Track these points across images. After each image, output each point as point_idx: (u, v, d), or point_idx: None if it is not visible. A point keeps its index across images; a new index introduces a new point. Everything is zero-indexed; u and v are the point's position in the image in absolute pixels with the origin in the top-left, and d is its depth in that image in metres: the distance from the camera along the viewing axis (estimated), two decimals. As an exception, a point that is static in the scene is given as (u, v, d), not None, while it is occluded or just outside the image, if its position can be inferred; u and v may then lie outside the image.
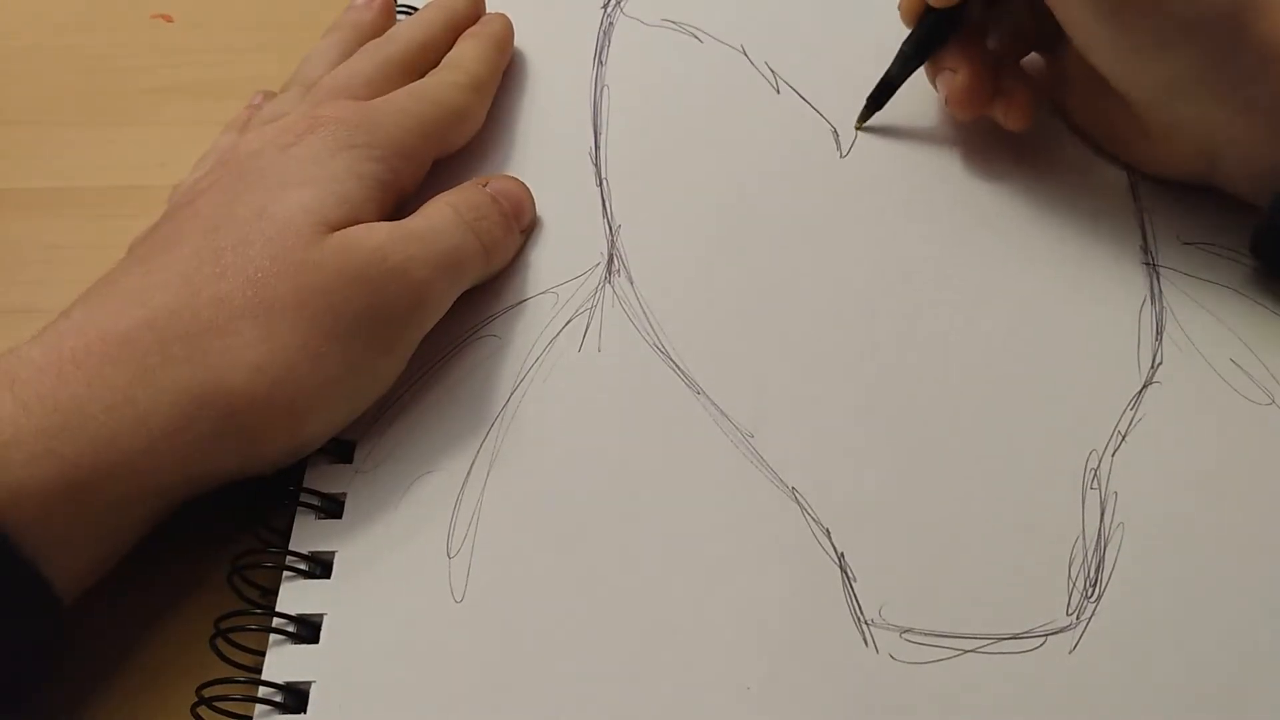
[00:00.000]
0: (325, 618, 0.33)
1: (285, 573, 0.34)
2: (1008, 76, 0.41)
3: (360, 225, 0.35)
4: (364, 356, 0.34)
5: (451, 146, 0.40)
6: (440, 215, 0.36)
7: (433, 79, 0.41)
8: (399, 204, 0.38)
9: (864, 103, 0.43)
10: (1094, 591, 0.33)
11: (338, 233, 0.34)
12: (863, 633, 0.33)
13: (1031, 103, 0.41)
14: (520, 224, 0.39)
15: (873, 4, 0.46)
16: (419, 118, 0.38)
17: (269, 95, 0.43)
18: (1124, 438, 0.36)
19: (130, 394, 0.31)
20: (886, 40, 0.44)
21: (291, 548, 0.34)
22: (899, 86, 0.42)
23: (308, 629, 0.33)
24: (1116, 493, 0.35)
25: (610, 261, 0.40)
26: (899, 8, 0.41)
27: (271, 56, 0.46)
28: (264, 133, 0.37)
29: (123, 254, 0.36)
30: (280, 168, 0.35)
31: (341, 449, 0.36)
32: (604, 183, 0.42)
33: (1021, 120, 0.40)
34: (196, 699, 0.32)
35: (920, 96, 0.42)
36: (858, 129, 0.43)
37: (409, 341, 0.36)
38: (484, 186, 0.39)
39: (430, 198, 0.38)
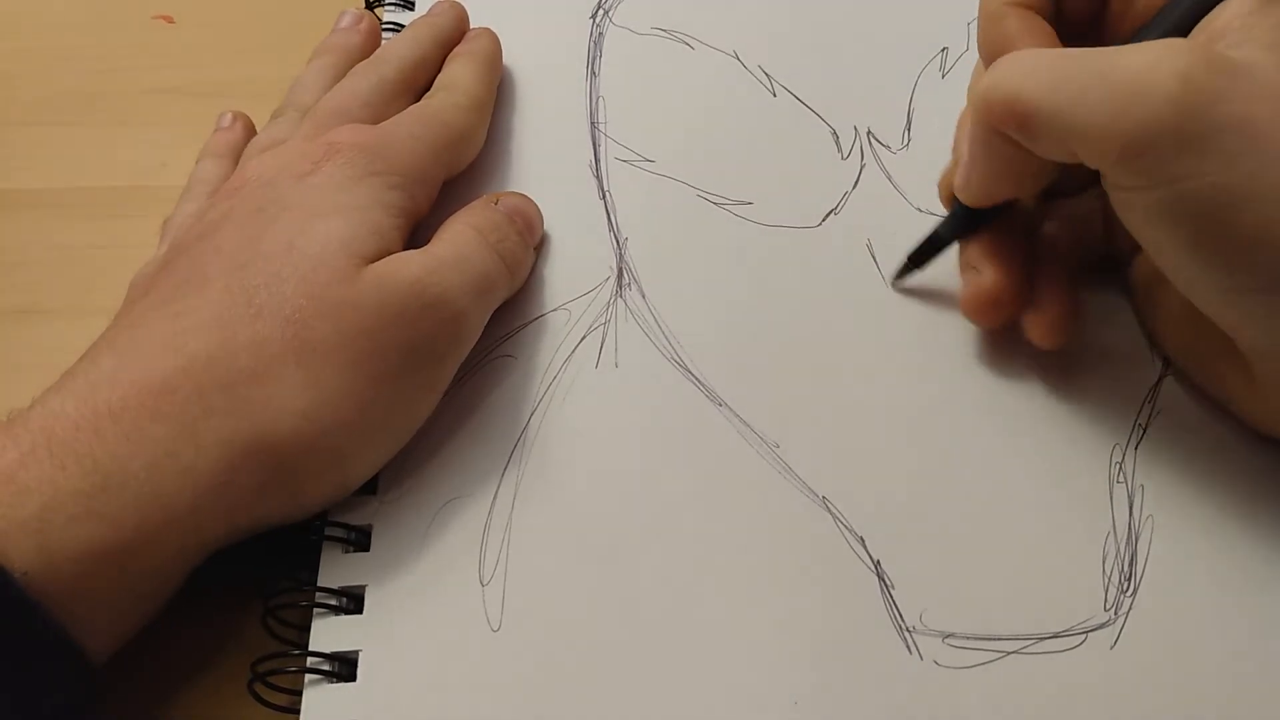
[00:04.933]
0: (361, 654, 0.33)
1: (316, 610, 0.33)
2: (1047, 282, 0.35)
3: (393, 256, 0.34)
4: (407, 394, 0.34)
5: (458, 168, 0.40)
6: (465, 239, 0.36)
7: (435, 101, 0.40)
8: (416, 230, 0.37)
9: (904, 259, 0.38)
10: (1129, 586, 0.33)
11: (372, 266, 0.33)
12: (905, 640, 0.33)
13: (1067, 323, 0.35)
14: (532, 240, 0.39)
15: (863, 5, 0.46)
16: (429, 142, 0.38)
17: (238, 115, 0.42)
18: (1145, 431, 0.36)
19: (172, 449, 0.30)
20: (879, 40, 0.45)
21: (320, 584, 0.34)
22: (944, 249, 0.38)
23: (345, 666, 0.33)
24: (1143, 486, 0.35)
25: (620, 275, 0.40)
26: (939, 186, 0.38)
27: (272, 57, 0.46)
28: (274, 160, 0.36)
29: (122, 254, 0.36)
30: (301, 197, 0.34)
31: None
32: (607, 195, 0.42)
33: (1051, 340, 0.35)
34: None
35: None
36: (894, 285, 0.39)
37: (449, 373, 0.35)
38: (495, 204, 0.38)
39: (439, 221, 0.37)
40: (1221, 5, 0.30)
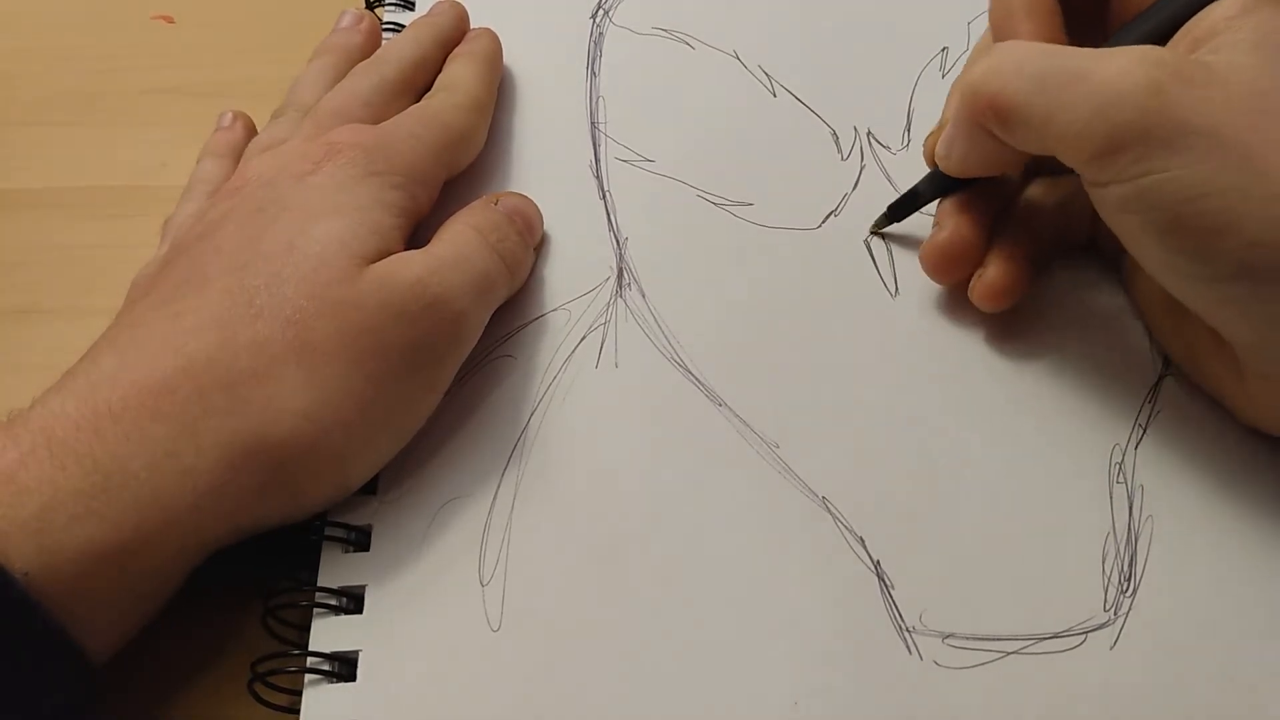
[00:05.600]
0: (361, 654, 0.33)
1: (316, 610, 0.33)
2: (1001, 247, 0.36)
3: (394, 256, 0.34)
4: (408, 394, 0.34)
5: (458, 168, 0.40)
6: (465, 239, 0.36)
7: (436, 101, 0.40)
8: (416, 230, 0.37)
9: (883, 209, 0.39)
10: (1129, 586, 0.33)
11: (373, 266, 0.33)
12: (905, 640, 0.33)
13: (1005, 290, 0.36)
14: (532, 240, 0.39)
15: (864, 4, 0.46)
16: (430, 142, 0.38)
17: (239, 115, 0.42)
18: (1145, 431, 0.36)
19: (172, 449, 0.30)
20: (879, 40, 0.45)
21: (320, 584, 0.34)
22: (922, 205, 0.39)
23: (345, 666, 0.33)
24: (1143, 486, 0.35)
25: (620, 275, 0.40)
26: (923, 144, 0.39)
27: (272, 57, 0.46)
28: (275, 160, 0.36)
29: (122, 254, 0.36)
30: (302, 198, 0.34)
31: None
32: (607, 195, 0.42)
33: (986, 302, 0.36)
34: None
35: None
36: (872, 234, 0.40)
37: (449, 373, 0.35)
38: (495, 205, 0.38)
39: (439, 221, 0.37)
40: (1209, 8, 0.31)
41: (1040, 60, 0.32)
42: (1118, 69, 0.30)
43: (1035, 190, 0.38)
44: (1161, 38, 0.32)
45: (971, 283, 0.37)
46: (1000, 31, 0.35)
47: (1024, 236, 0.37)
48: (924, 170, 0.40)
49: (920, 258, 0.37)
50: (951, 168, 0.36)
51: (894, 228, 0.40)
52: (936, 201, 0.38)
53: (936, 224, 0.37)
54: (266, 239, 0.33)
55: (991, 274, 0.36)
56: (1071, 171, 0.32)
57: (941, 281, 0.38)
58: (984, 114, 0.33)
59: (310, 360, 0.32)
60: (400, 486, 0.35)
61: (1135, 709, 0.31)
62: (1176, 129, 0.29)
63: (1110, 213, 0.32)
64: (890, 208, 0.39)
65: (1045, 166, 0.37)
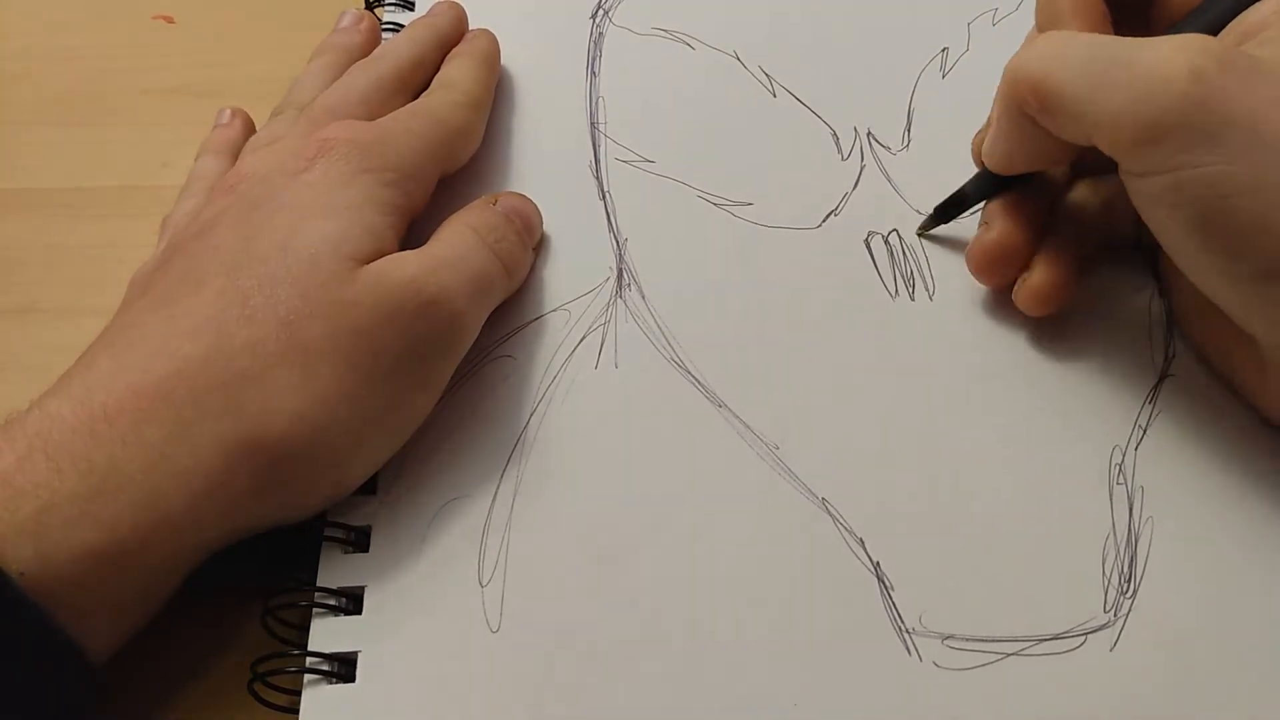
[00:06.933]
0: (360, 654, 0.33)
1: (315, 610, 0.33)
2: (1049, 251, 0.36)
3: (389, 256, 0.34)
4: (404, 394, 0.34)
5: (454, 166, 0.40)
6: (462, 239, 0.36)
7: (431, 99, 0.40)
8: (415, 231, 0.37)
9: (932, 211, 0.39)
10: (1129, 587, 0.33)
11: (367, 266, 0.33)
12: (905, 642, 0.33)
13: (1052, 294, 0.36)
14: (531, 241, 0.39)
15: (863, 5, 0.46)
16: (425, 138, 0.37)
17: (237, 112, 0.42)
18: (1145, 432, 0.36)
19: (168, 451, 0.30)
20: (879, 40, 0.45)
21: (320, 584, 0.34)
22: (970, 206, 0.38)
23: (344, 667, 0.33)
24: (1143, 487, 0.35)
25: (620, 275, 0.40)
26: (971, 144, 0.39)
27: (272, 57, 0.46)
28: (269, 157, 0.36)
29: (122, 254, 0.36)
30: (295, 196, 0.34)
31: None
32: (607, 196, 0.42)
33: (1032, 307, 0.36)
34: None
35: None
36: (919, 234, 0.40)
37: (445, 374, 0.35)
38: (494, 205, 0.38)
39: (438, 221, 0.37)
40: (1257, 5, 0.32)
41: (1083, 47, 0.32)
42: (1161, 55, 0.30)
43: (1080, 192, 0.38)
44: (1211, 34, 0.32)
45: (1016, 286, 0.36)
46: (1047, 30, 0.35)
47: (1070, 239, 0.36)
48: (925, 169, 0.41)
49: (967, 258, 0.37)
50: (997, 164, 0.36)
51: (940, 229, 0.40)
52: (983, 204, 0.38)
53: (984, 224, 0.37)
54: (261, 239, 0.33)
55: (1037, 278, 0.36)
56: (1115, 171, 0.32)
57: (987, 283, 0.37)
58: (1026, 100, 0.32)
59: (304, 361, 0.32)
60: (400, 486, 0.35)
61: (1135, 710, 0.31)
62: (1217, 120, 0.29)
63: (1145, 205, 0.32)
64: (937, 209, 0.39)
65: (1090, 167, 0.37)
